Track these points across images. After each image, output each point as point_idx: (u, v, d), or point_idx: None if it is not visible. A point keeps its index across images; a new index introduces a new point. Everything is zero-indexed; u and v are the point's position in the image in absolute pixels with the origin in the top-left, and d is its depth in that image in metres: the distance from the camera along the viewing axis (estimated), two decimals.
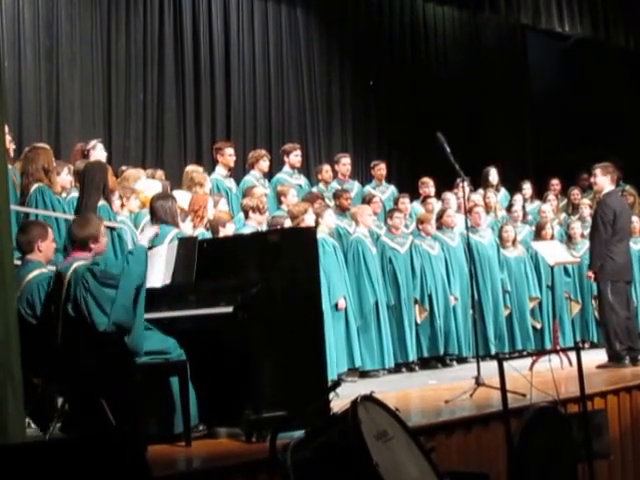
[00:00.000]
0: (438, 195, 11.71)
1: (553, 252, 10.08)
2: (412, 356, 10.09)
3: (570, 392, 6.54)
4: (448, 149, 7.57)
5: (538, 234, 11.47)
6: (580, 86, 16.26)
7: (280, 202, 9.76)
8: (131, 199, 8.36)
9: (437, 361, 10.43)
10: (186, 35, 12.38)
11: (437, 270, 10.50)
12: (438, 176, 11.59)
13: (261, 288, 5.80)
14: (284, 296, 5.92)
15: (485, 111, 15.60)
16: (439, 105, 14.63)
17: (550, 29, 15.28)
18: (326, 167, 11.30)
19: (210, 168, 10.50)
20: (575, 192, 13.30)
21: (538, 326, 11.56)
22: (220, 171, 10.10)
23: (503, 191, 12.86)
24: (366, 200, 10.64)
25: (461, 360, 10.58)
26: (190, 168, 9.53)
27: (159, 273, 6.29)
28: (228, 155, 10.10)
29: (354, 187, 11.45)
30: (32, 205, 7.18)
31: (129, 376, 5.56)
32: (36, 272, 5.98)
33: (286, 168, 10.85)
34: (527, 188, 13.05)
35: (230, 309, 5.74)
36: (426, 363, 10.35)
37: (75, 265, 5.67)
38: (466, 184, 8.09)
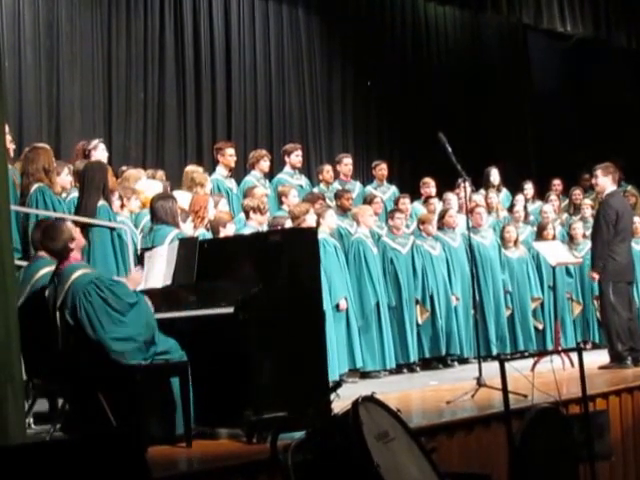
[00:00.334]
0: (439, 195, 11.69)
1: (555, 252, 10.06)
2: (413, 357, 10.07)
3: (572, 393, 6.53)
4: (449, 149, 7.56)
5: (540, 234, 11.45)
6: (582, 86, 16.24)
7: (281, 202, 9.74)
8: (131, 199, 8.35)
9: (438, 362, 10.42)
10: (187, 35, 12.38)
11: (438, 271, 10.48)
12: (439, 176, 11.58)
13: (262, 289, 5.79)
14: (285, 297, 5.91)
15: (487, 111, 15.59)
16: (440, 105, 14.62)
17: (552, 29, 15.28)
18: (327, 167, 11.28)
19: (211, 168, 10.48)
20: (577, 192, 13.28)
21: (540, 327, 11.54)
22: (221, 171, 10.09)
23: (505, 191, 12.84)
24: (367, 200, 10.62)
25: (462, 361, 10.56)
26: (190, 168, 9.51)
27: (159, 274, 6.29)
28: (229, 155, 10.08)
29: (356, 187, 11.43)
30: (32, 205, 7.17)
31: (129, 377, 5.54)
32: (47, 269, 6.04)
33: (287, 168, 10.83)
34: (529, 188, 13.03)
35: (231, 310, 5.73)
36: (427, 364, 10.33)
37: (77, 274, 5.67)
38: (467, 184, 8.08)
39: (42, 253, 6.18)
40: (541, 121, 16.34)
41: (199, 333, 5.99)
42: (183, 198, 8.33)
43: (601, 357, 9.25)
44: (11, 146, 7.85)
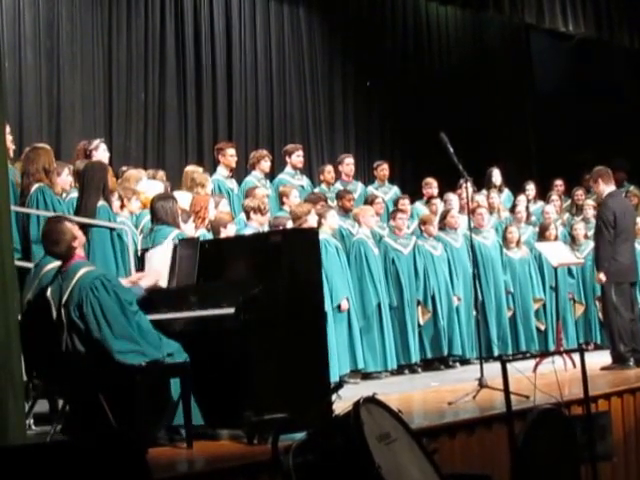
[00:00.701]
0: (441, 196, 11.68)
1: (556, 253, 10.05)
2: (415, 358, 10.06)
3: (574, 394, 6.54)
4: (451, 149, 7.55)
5: (542, 235, 11.43)
6: (584, 86, 16.22)
7: (282, 203, 9.73)
8: (132, 200, 8.33)
9: (440, 362, 10.40)
10: (187, 35, 12.36)
11: (440, 271, 10.47)
12: (441, 177, 11.56)
13: (263, 289, 5.78)
14: (286, 297, 5.89)
15: (488, 111, 15.56)
16: (442, 105, 14.60)
17: (554, 29, 15.24)
18: (328, 168, 11.27)
19: (211, 169, 10.47)
20: (579, 193, 13.24)
21: (542, 327, 11.52)
22: (221, 172, 10.07)
23: (506, 192, 12.82)
24: (368, 201, 10.61)
25: (464, 362, 10.56)
26: (190, 169, 9.50)
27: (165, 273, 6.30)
28: (229, 155, 10.07)
29: (357, 188, 11.42)
30: (32, 205, 7.16)
31: (130, 377, 5.53)
32: (56, 263, 6.03)
33: (288, 169, 10.82)
34: (530, 189, 13.00)
35: (232, 310, 5.72)
36: (429, 365, 10.31)
37: (84, 271, 5.67)
38: (469, 185, 8.06)
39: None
40: (543, 121, 16.32)
41: (200, 334, 5.98)
42: (183, 198, 8.32)
43: (603, 358, 9.23)
44: (11, 146, 7.84)
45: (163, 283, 6.28)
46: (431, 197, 11.60)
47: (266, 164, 10.41)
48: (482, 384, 7.14)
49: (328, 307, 8.56)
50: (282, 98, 13.43)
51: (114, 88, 11.60)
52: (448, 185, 11.66)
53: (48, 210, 7.12)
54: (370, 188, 11.65)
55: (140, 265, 6.68)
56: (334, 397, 5.36)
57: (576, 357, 7.65)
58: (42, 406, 6.47)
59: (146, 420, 5.57)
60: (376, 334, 9.63)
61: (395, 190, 11.83)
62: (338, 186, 11.07)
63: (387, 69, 14.65)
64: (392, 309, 9.94)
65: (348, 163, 11.38)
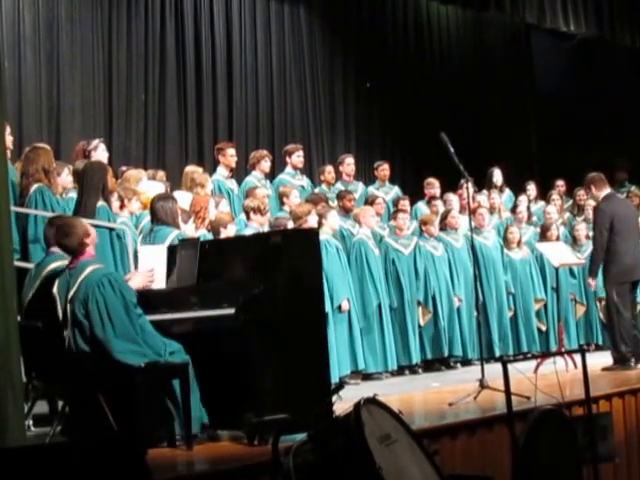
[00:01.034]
0: (441, 196, 11.66)
1: (558, 253, 10.03)
2: (415, 358, 10.04)
3: (575, 395, 6.52)
4: (452, 149, 7.53)
5: (544, 235, 11.41)
6: (585, 86, 16.21)
7: (282, 203, 9.72)
8: (132, 200, 8.31)
9: (441, 363, 10.38)
10: (188, 35, 12.35)
11: (441, 271, 10.45)
12: (442, 177, 11.54)
13: (263, 290, 5.77)
14: (286, 298, 5.88)
15: (489, 111, 15.55)
16: (443, 105, 14.59)
17: (555, 28, 15.24)
18: (329, 168, 11.25)
19: (212, 169, 10.46)
20: (581, 193, 13.18)
21: (543, 328, 11.50)
22: (222, 172, 10.06)
23: (507, 192, 12.79)
24: (369, 201, 10.59)
25: (465, 362, 10.54)
26: (190, 169, 9.49)
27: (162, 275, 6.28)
28: (230, 156, 10.06)
29: (358, 188, 11.40)
30: (32, 206, 7.15)
31: (130, 378, 5.52)
32: (58, 263, 6.13)
33: (288, 169, 10.80)
34: (531, 189, 12.98)
35: (232, 311, 5.71)
36: (430, 365, 10.29)
37: (92, 268, 5.67)
38: (470, 185, 8.04)
39: (54, 249, 6.22)
40: (544, 121, 16.31)
41: (200, 334, 5.96)
42: (183, 198, 8.30)
43: (604, 359, 9.21)
44: (10, 146, 7.83)
45: (156, 285, 6.25)
46: (433, 197, 11.57)
47: (266, 164, 10.39)
48: (483, 385, 7.13)
49: (328, 308, 8.55)
50: (282, 98, 13.41)
51: (114, 88, 11.59)
52: (449, 185, 11.64)
53: (47, 210, 7.11)
54: (371, 188, 11.63)
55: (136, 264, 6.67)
56: (334, 398, 5.33)
57: (577, 358, 7.63)
58: (41, 407, 6.46)
59: (146, 421, 5.56)
60: (376, 335, 9.61)
61: (396, 190, 11.81)
62: (339, 186, 11.05)
63: (388, 69, 14.63)
64: (392, 310, 9.93)
65: (349, 163, 11.36)
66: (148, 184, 8.87)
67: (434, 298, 10.29)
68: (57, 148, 10.16)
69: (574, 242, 12.02)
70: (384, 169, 11.80)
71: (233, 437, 5.93)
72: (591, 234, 11.51)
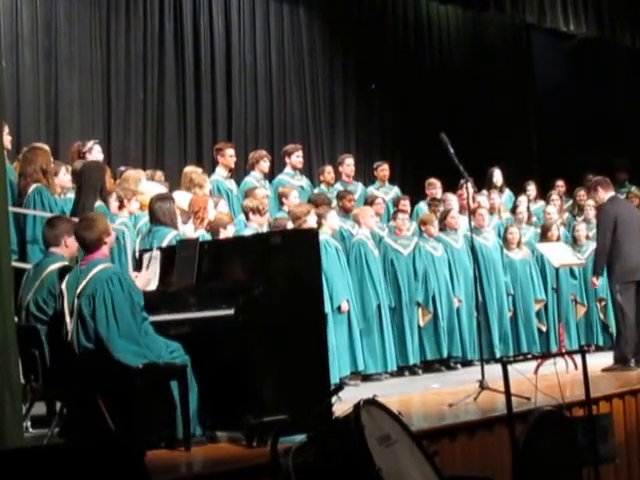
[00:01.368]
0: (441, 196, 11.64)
1: (558, 254, 10.02)
2: (414, 359, 10.01)
3: (575, 395, 6.52)
4: (452, 150, 7.52)
5: (544, 235, 11.40)
6: (585, 86, 16.20)
7: (281, 203, 9.69)
8: (132, 201, 8.29)
9: (441, 364, 10.36)
10: (187, 35, 12.33)
11: (440, 272, 10.42)
12: (442, 177, 11.52)
13: (262, 290, 5.76)
14: (286, 298, 5.87)
15: (489, 111, 15.53)
16: (443, 105, 14.58)
17: (555, 28, 15.22)
18: (328, 168, 11.23)
19: (211, 169, 10.44)
20: (581, 193, 13.19)
21: (543, 329, 11.48)
22: (221, 172, 10.04)
23: (507, 192, 12.77)
24: (369, 201, 10.57)
25: (465, 363, 10.51)
26: (189, 169, 9.47)
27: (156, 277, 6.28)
28: (229, 156, 10.03)
29: (358, 188, 11.38)
30: (30, 206, 7.14)
31: (129, 379, 5.50)
32: (58, 264, 6.10)
33: (288, 169, 10.78)
34: (531, 189, 12.97)
35: (231, 311, 5.69)
36: (429, 366, 10.27)
37: (103, 266, 5.69)
38: (470, 185, 8.03)
39: (54, 249, 6.18)
40: (544, 121, 16.30)
41: (199, 335, 5.95)
42: (182, 199, 8.28)
43: (605, 359, 9.21)
44: (9, 146, 7.82)
45: (150, 287, 6.25)
46: (434, 198, 11.55)
47: (265, 164, 10.37)
48: (483, 386, 7.12)
49: (328, 308, 8.53)
50: (282, 98, 13.40)
51: (113, 88, 11.57)
52: (449, 186, 11.62)
53: (45, 211, 7.09)
54: (370, 189, 11.61)
55: (137, 266, 6.65)
56: (334, 399, 5.32)
57: (578, 358, 7.61)
58: (39, 409, 6.43)
59: (145, 423, 5.55)
60: (376, 336, 9.59)
61: (396, 190, 11.79)
62: (338, 187, 11.03)
63: (388, 69, 14.62)
64: (391, 310, 9.91)
65: (349, 163, 11.35)
66: (148, 185, 8.86)
67: (434, 299, 10.26)
68: (55, 148, 10.13)
69: (574, 242, 12.00)
70: (384, 169, 11.78)
71: (232, 438, 5.92)
72: (591, 234, 11.52)
